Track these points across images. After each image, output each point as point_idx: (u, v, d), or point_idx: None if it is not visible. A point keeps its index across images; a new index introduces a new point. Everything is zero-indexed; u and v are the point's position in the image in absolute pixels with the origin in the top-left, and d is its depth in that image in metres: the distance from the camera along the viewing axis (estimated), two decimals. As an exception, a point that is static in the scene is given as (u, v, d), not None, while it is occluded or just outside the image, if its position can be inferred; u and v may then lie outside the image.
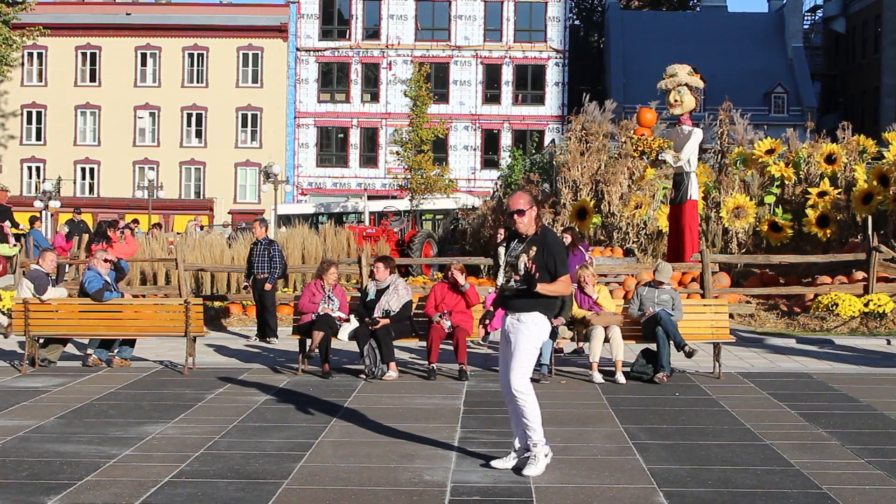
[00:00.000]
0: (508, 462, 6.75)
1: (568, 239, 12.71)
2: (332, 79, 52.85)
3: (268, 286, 14.42)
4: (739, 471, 6.71)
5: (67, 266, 19.87)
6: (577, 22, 64.38)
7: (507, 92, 52.22)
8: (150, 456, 7.12)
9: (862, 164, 19.92)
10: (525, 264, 6.55)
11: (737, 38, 53.81)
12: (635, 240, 20.61)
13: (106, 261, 11.72)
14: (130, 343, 11.67)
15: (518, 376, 6.57)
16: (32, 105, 52.92)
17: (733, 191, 20.47)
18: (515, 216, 6.64)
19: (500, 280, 6.70)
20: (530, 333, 6.60)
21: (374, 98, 52.52)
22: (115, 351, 11.55)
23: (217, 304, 17.30)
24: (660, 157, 17.04)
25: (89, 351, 11.73)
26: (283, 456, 7.09)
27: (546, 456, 6.66)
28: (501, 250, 6.78)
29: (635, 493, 6.17)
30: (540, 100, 52.21)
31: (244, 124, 52.63)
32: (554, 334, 10.53)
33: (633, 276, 17.37)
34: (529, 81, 52.29)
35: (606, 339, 10.58)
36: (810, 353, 12.89)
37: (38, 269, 11.83)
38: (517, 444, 6.76)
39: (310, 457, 7.07)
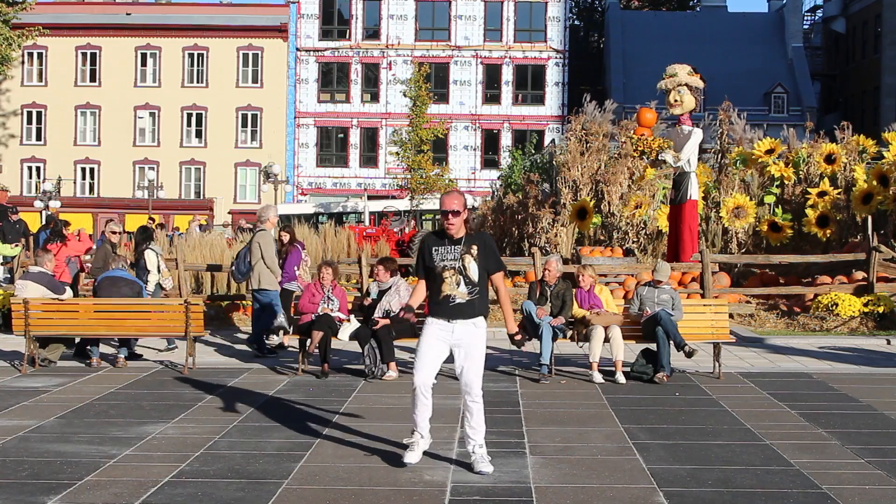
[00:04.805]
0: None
1: (286, 237, 13.25)
2: (332, 79, 52.86)
3: None
4: (739, 471, 6.71)
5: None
6: (577, 22, 64.41)
7: (507, 92, 52.24)
8: (150, 456, 7.13)
9: (862, 164, 19.89)
10: (476, 268, 6.43)
11: (737, 38, 53.86)
12: (635, 240, 20.57)
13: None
14: (126, 343, 11.68)
15: (481, 382, 6.58)
16: (32, 105, 52.93)
17: (733, 191, 20.45)
18: (451, 216, 6.47)
19: (454, 289, 6.47)
20: (484, 338, 6.62)
21: (374, 98, 52.53)
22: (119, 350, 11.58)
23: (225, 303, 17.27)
24: (660, 157, 17.02)
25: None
26: (283, 456, 7.09)
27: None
28: (436, 256, 6.53)
29: (635, 493, 6.17)
30: (540, 100, 52.22)
31: (244, 124, 52.64)
32: (556, 335, 10.54)
33: (633, 276, 17.37)
34: (529, 81, 52.29)
35: (606, 339, 10.58)
36: (810, 353, 12.88)
37: (43, 271, 11.71)
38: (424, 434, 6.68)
39: (310, 457, 7.08)
